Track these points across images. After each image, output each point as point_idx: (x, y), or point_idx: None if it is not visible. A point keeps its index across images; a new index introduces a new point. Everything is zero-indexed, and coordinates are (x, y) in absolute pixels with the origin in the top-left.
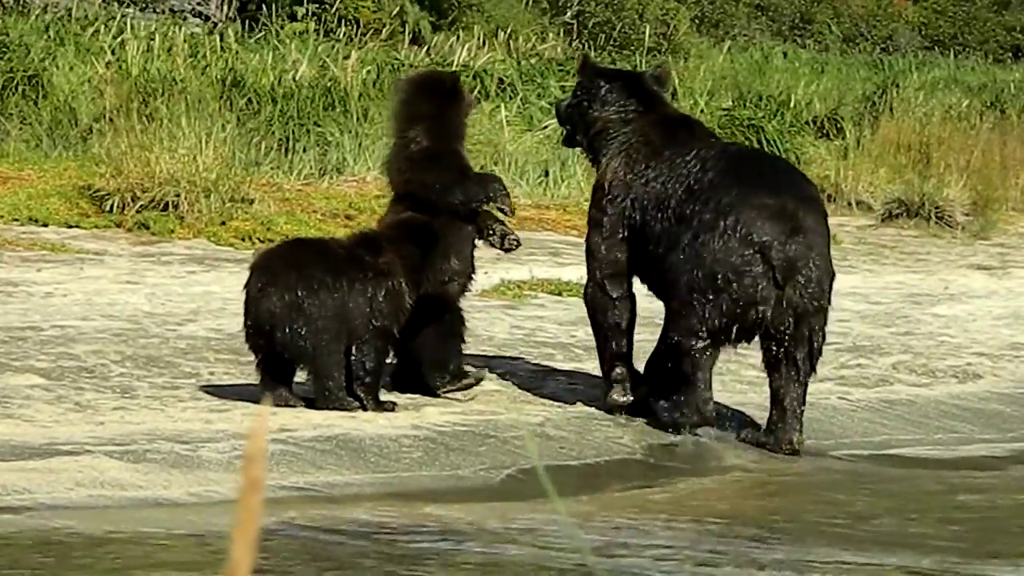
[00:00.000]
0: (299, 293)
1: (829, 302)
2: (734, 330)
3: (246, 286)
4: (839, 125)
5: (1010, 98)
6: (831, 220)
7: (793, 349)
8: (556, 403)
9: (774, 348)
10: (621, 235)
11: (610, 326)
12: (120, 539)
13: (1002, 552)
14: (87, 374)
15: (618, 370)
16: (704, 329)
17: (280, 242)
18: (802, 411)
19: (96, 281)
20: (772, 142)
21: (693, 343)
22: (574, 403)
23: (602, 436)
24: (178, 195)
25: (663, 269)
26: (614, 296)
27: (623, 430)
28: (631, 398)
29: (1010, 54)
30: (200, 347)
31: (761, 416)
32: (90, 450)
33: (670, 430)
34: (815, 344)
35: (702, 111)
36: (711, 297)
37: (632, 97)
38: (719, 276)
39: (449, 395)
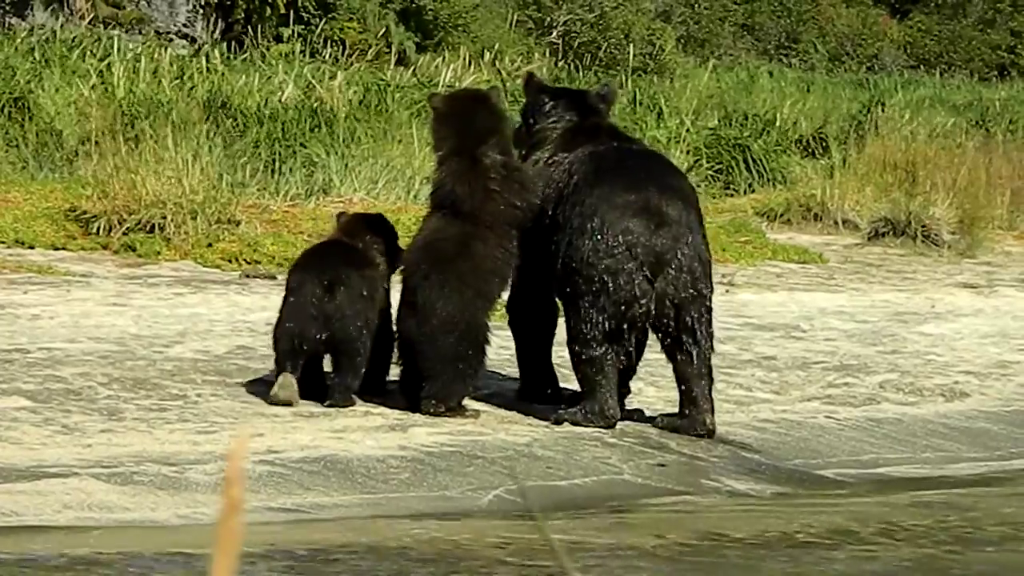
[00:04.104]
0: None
1: (709, 287)
2: (624, 329)
3: None
4: (825, 144)
5: (995, 116)
6: (817, 239)
7: (682, 338)
8: (543, 423)
9: (665, 340)
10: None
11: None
12: (108, 562)
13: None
14: (74, 396)
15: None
16: (596, 333)
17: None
18: (710, 392)
19: (83, 303)
20: (758, 161)
21: (589, 349)
22: (561, 423)
23: (590, 456)
24: (164, 217)
25: (553, 277)
26: (529, 303)
27: (611, 450)
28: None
29: (995, 72)
30: (187, 369)
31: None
32: (77, 472)
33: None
34: (701, 329)
35: (688, 130)
36: (592, 300)
37: (571, 111)
38: (595, 279)
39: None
